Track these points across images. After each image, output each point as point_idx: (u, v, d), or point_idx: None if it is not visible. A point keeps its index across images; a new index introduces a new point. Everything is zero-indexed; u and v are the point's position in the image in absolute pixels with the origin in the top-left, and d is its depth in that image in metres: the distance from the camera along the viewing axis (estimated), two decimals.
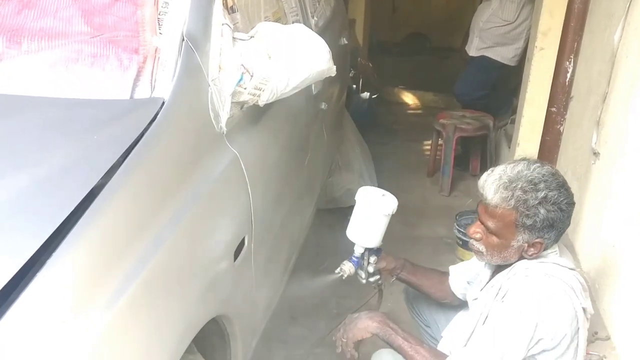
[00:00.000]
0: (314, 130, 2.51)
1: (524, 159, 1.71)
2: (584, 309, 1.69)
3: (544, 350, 1.65)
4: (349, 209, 3.62)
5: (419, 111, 6.36)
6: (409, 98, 6.66)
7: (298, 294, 2.35)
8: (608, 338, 1.98)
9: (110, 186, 1.10)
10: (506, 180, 1.63)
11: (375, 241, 1.96)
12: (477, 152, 4.48)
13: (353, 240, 1.98)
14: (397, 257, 2.09)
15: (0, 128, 1.23)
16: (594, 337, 1.98)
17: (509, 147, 3.99)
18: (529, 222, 1.61)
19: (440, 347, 1.88)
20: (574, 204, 1.66)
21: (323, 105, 2.61)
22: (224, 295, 1.44)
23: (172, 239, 1.20)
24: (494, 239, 1.68)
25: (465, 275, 2.02)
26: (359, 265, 1.98)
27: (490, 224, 1.68)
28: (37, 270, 0.93)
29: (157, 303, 1.14)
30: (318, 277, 2.13)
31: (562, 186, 1.64)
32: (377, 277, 2.05)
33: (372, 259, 1.99)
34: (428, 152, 4.74)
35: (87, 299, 0.98)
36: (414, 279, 2.09)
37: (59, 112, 1.27)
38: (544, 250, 1.68)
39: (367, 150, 4.14)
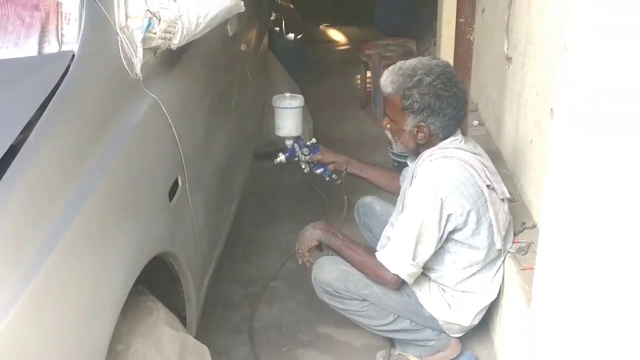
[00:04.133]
0: (236, 73, 2.54)
1: (428, 57, 1.88)
2: (492, 188, 1.86)
3: (456, 229, 1.83)
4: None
5: (346, 47, 6.38)
6: (334, 35, 6.68)
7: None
8: (534, 226, 2.13)
9: (31, 141, 1.12)
10: (396, 69, 1.86)
11: (290, 130, 2.43)
12: None
13: (278, 135, 2.47)
14: (339, 154, 2.39)
15: None
16: (522, 226, 2.13)
17: None
18: (407, 103, 1.83)
19: (381, 240, 2.05)
20: (453, 92, 1.83)
21: (243, 47, 2.63)
22: (164, 234, 1.49)
23: (100, 185, 1.23)
24: (393, 125, 1.92)
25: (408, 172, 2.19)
26: (292, 156, 2.42)
27: (387, 110, 1.93)
28: None
29: (92, 247, 1.16)
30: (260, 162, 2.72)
31: (443, 74, 1.82)
32: (322, 169, 2.40)
33: (305, 150, 2.39)
34: (359, 86, 4.82)
35: (18, 253, 0.98)
36: (362, 173, 2.36)
37: None
38: (443, 139, 1.88)
39: (297, 90, 4.16)
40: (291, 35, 5.16)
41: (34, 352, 0.97)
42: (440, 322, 1.96)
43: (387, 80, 1.86)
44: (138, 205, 1.37)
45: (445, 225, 1.81)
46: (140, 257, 1.32)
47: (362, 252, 1.93)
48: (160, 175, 1.52)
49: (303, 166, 2.41)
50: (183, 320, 1.72)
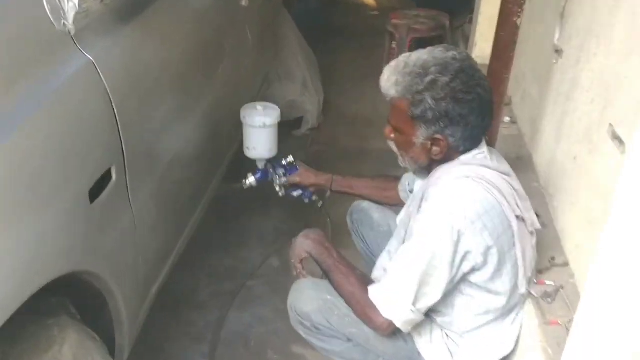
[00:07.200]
0: (231, 33, 2.13)
1: (439, 46, 1.48)
2: (521, 219, 1.45)
3: (474, 269, 1.45)
4: (293, 122, 3.38)
5: (374, 13, 5.93)
6: None
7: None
8: (566, 264, 1.74)
9: None
10: (401, 66, 1.45)
11: (265, 152, 2.05)
12: None
13: (249, 156, 2.07)
14: (321, 173, 2.04)
15: None
16: (550, 262, 1.74)
17: (467, 49, 3.70)
18: (417, 111, 1.43)
19: (374, 272, 1.69)
20: (477, 94, 1.44)
21: (243, 2, 2.21)
22: (75, 246, 1.10)
23: None
24: (398, 136, 1.53)
25: (411, 181, 1.86)
26: (264, 178, 2.05)
27: (391, 118, 1.54)
28: None
29: None
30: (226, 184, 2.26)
31: (462, 71, 1.42)
32: (300, 192, 2.06)
33: (280, 171, 2.02)
34: (382, 59, 4.41)
35: None
36: (350, 190, 2.02)
37: None
38: (465, 152, 1.50)
39: (312, 57, 3.77)
40: None
41: None
42: None
43: (390, 80, 1.45)
44: (38, 203, 0.98)
45: (461, 265, 1.41)
46: (29, 280, 0.94)
47: (355, 280, 1.54)
48: (82, 164, 1.12)
49: (277, 189, 2.03)
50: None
